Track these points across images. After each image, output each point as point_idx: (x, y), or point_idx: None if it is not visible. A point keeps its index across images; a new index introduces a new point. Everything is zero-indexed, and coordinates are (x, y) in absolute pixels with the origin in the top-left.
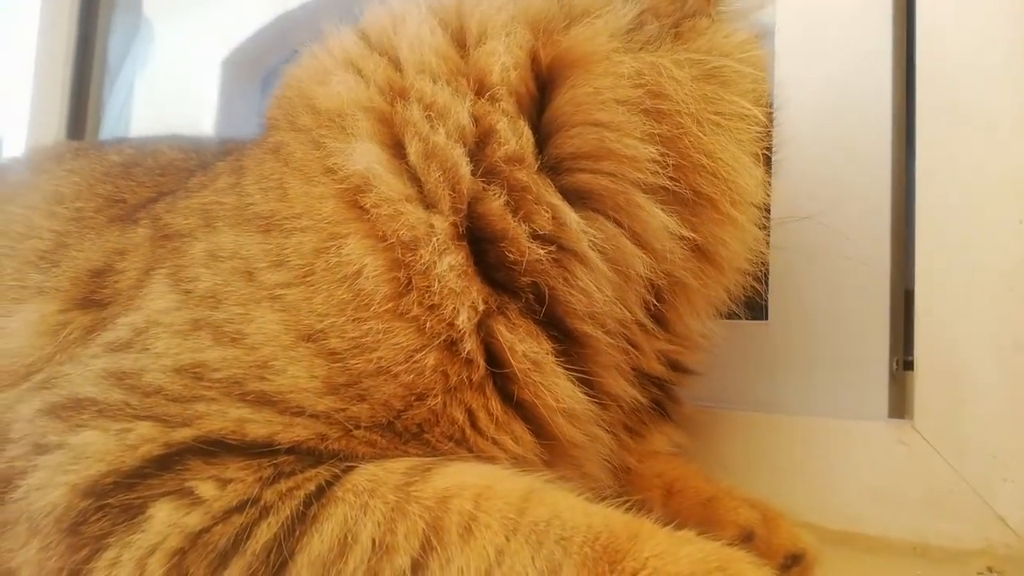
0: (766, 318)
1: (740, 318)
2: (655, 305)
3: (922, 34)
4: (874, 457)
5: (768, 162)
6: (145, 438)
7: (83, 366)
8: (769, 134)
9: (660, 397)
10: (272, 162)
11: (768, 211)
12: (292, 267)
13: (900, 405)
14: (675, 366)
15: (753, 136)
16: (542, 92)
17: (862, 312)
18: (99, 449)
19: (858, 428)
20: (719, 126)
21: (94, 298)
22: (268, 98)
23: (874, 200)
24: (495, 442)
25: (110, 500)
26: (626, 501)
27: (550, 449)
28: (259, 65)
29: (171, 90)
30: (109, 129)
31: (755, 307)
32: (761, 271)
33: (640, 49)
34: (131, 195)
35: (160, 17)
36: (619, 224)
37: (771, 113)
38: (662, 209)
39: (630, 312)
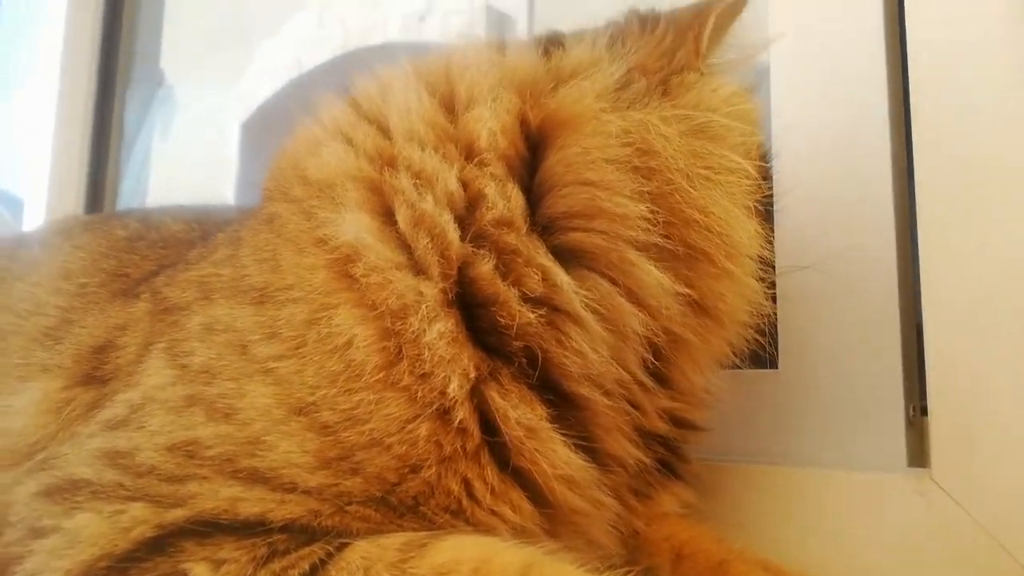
0: (776, 367)
1: (745, 368)
2: (654, 363)
3: (915, 78)
4: (891, 510)
5: (767, 213)
6: (138, 520)
7: (80, 446)
8: (761, 186)
9: (666, 456)
10: (266, 233)
11: (770, 263)
12: (284, 339)
13: (920, 453)
14: (680, 423)
15: (745, 189)
16: (534, 152)
17: (875, 358)
18: (93, 532)
19: (873, 480)
20: (710, 180)
21: (96, 375)
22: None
23: (879, 242)
24: (493, 512)
25: None
26: (630, 571)
27: (551, 518)
28: (275, 128)
29: (192, 153)
30: (128, 190)
31: (758, 360)
32: (763, 323)
33: (628, 107)
34: (134, 269)
35: (181, 81)
36: (613, 282)
37: (763, 165)
38: (655, 266)
39: (628, 371)
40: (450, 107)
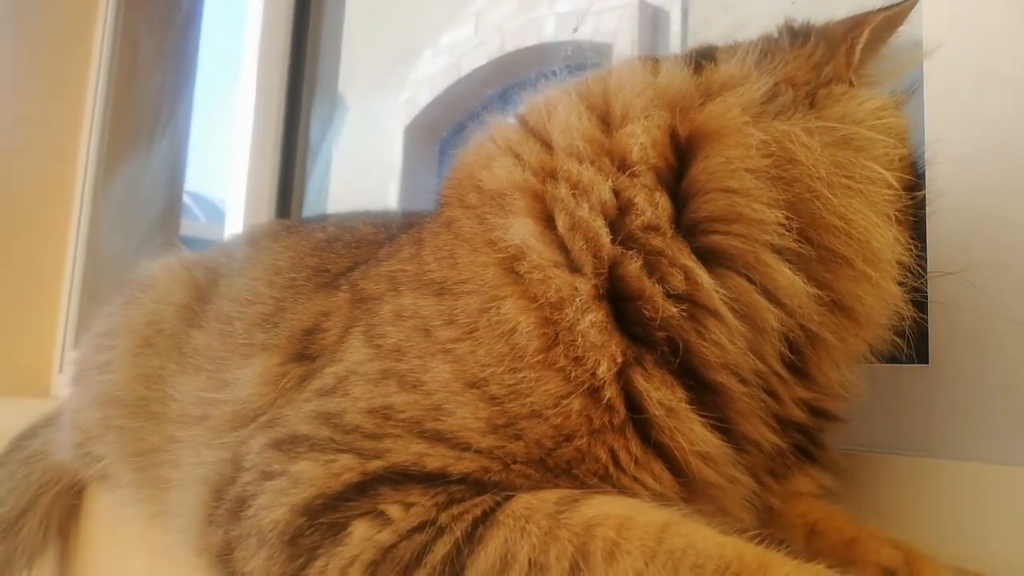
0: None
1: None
2: (790, 356)
3: None
4: None
5: (912, 222)
6: (346, 467)
7: (298, 409)
8: (902, 196)
9: (803, 442)
10: (445, 235)
11: (912, 268)
12: (460, 325)
13: None
14: (818, 412)
15: (885, 198)
16: (682, 161)
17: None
18: (311, 476)
19: (1016, 473)
20: (850, 189)
21: (306, 352)
22: (443, 176)
23: None
24: (636, 479)
25: (320, 518)
26: (759, 535)
27: (688, 488)
28: (437, 130)
29: (361, 159)
30: (312, 195)
31: (896, 361)
32: (903, 326)
33: (773, 119)
34: (333, 265)
35: (351, 92)
36: (751, 281)
37: (907, 177)
38: (790, 267)
39: (765, 363)
40: (607, 124)
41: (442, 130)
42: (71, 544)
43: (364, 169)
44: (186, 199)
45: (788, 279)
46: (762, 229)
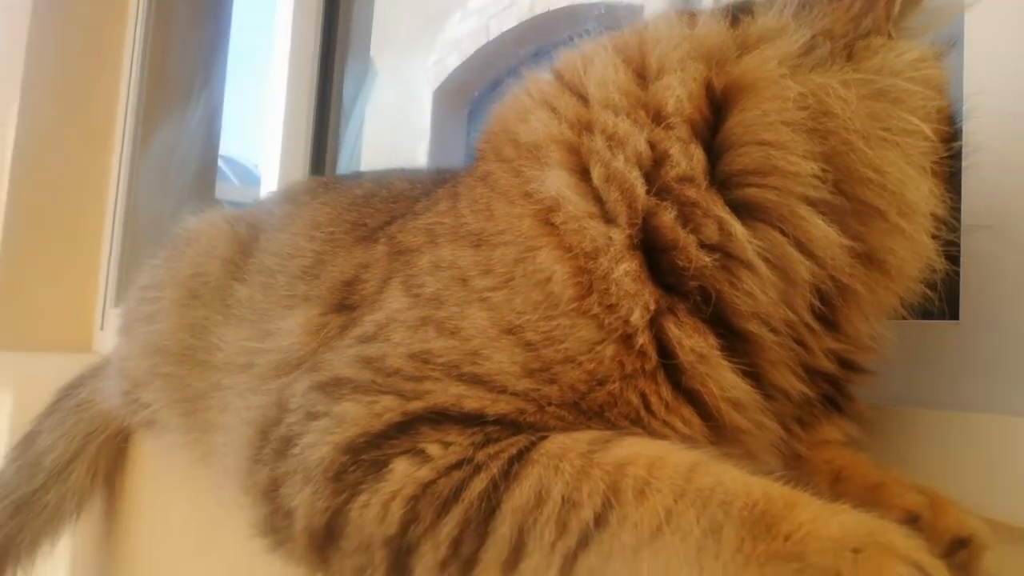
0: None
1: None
2: (821, 308)
3: None
4: None
5: (948, 174)
6: (388, 408)
7: (340, 354)
8: (938, 148)
9: (831, 392)
10: (481, 188)
11: (945, 220)
12: (497, 275)
13: None
14: (846, 364)
15: (922, 150)
16: (717, 114)
17: None
18: (354, 416)
19: None
20: (886, 141)
21: (346, 303)
22: (477, 131)
23: None
24: (666, 423)
25: (362, 456)
26: (784, 476)
27: (717, 432)
28: (465, 93)
29: (391, 120)
30: (345, 159)
31: (927, 315)
32: (935, 279)
33: (810, 71)
34: (371, 220)
35: (382, 56)
36: (783, 233)
37: (944, 129)
38: (824, 220)
39: (796, 313)
40: (642, 77)
41: (471, 92)
42: (118, 489)
43: (394, 133)
44: (220, 163)
45: (822, 231)
46: (797, 182)
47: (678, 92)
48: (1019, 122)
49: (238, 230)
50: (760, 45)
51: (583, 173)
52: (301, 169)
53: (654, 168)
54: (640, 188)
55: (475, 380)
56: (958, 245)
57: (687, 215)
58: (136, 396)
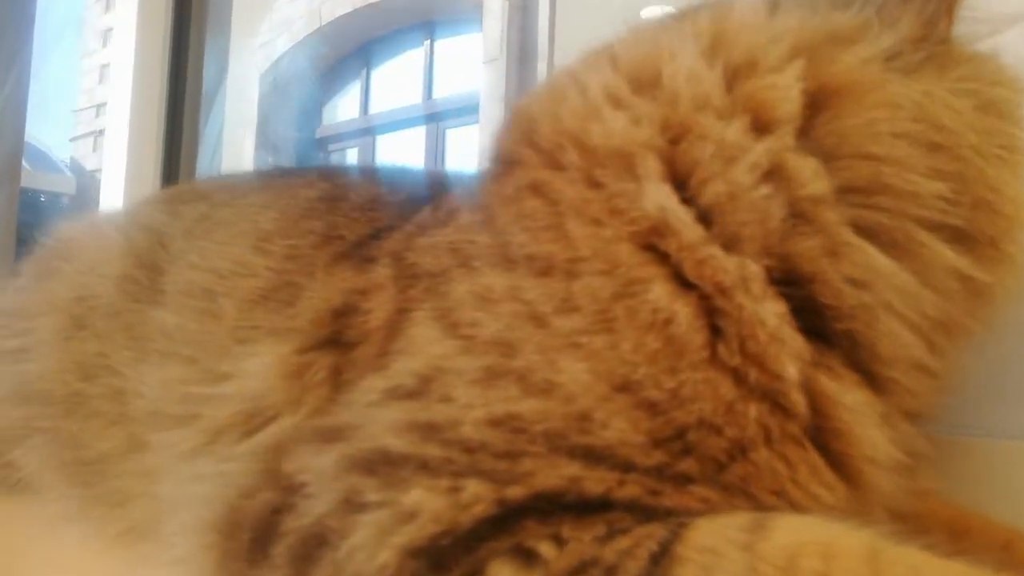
0: None
1: None
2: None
3: None
4: None
5: None
6: (478, 497)
7: (371, 417)
8: None
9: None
10: (532, 201)
11: None
12: (587, 313)
13: None
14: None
15: None
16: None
17: None
18: (431, 509)
19: None
20: (1002, 160)
21: (340, 339)
22: (495, 131)
23: None
24: (812, 494)
25: (446, 561)
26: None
27: (855, 498)
28: (296, 79)
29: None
30: (208, 149)
31: None
32: None
33: (907, 76)
34: (347, 231)
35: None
36: (898, 262)
37: None
38: (951, 248)
39: (921, 354)
40: (733, 73)
41: (302, 79)
42: None
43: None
44: None
45: (948, 261)
46: (916, 203)
47: (788, 93)
48: None
49: (132, 238)
50: (852, 44)
51: (683, 188)
52: (152, 170)
53: (779, 185)
54: (777, 210)
55: (591, 455)
56: None
57: (827, 243)
58: (4, 457)
